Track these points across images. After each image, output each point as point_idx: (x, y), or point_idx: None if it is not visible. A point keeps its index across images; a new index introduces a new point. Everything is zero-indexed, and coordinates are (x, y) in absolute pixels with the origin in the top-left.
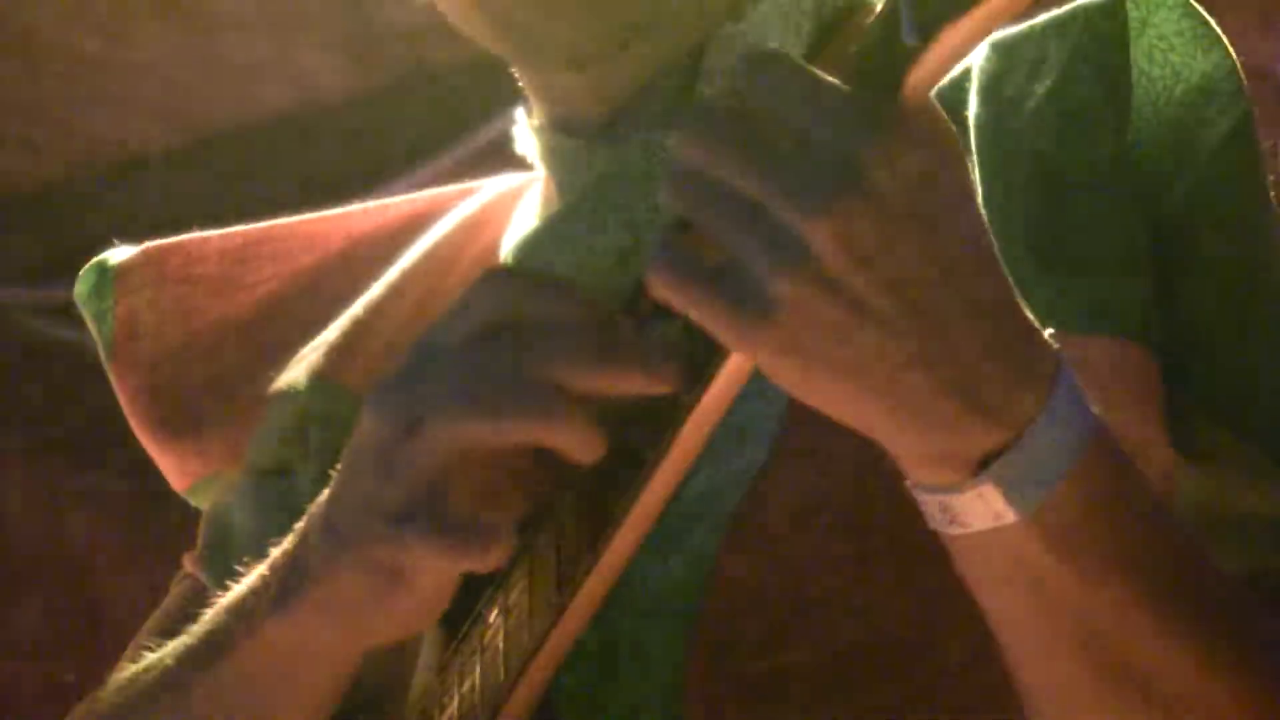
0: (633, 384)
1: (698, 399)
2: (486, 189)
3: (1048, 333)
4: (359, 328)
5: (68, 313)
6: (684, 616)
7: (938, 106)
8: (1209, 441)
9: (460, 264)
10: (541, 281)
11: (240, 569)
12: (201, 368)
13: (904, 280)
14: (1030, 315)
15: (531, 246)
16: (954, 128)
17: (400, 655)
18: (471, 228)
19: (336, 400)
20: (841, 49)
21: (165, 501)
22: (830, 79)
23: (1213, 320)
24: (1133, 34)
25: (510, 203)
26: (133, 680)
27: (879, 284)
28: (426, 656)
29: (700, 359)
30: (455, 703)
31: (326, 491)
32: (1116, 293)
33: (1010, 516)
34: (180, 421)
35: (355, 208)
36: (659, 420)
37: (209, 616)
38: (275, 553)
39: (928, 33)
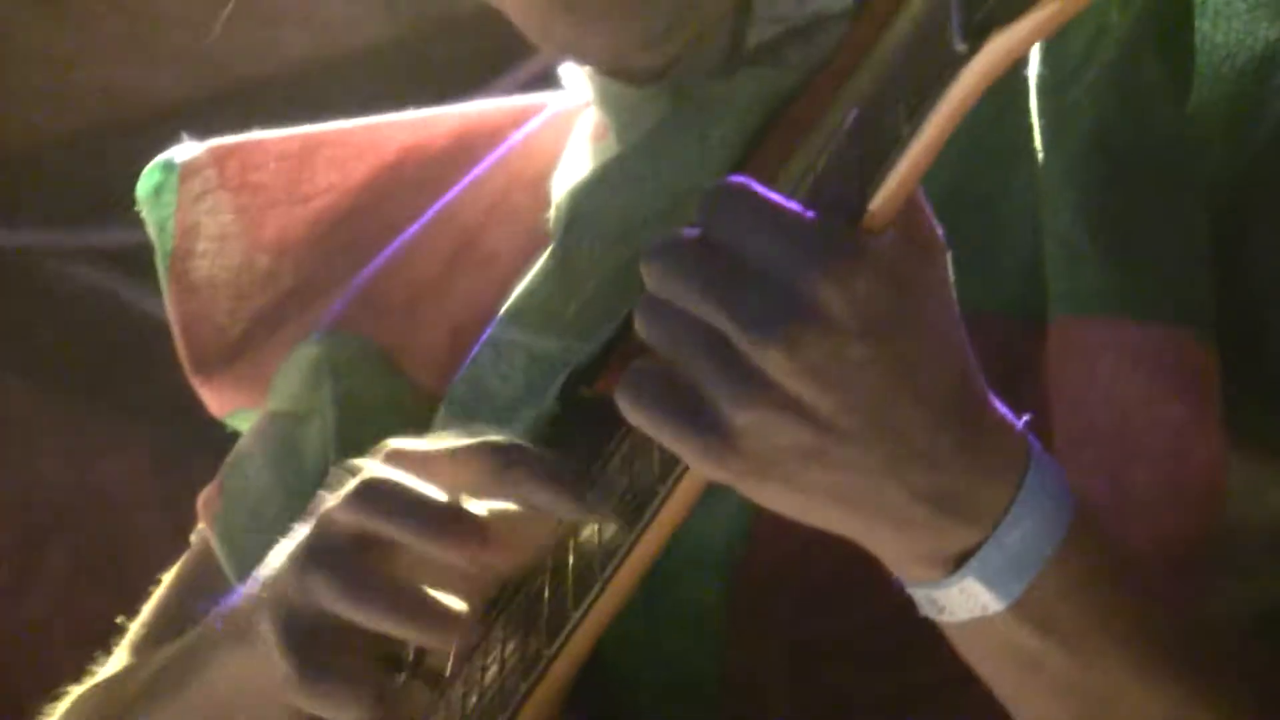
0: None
1: (665, 497)
2: (535, 117)
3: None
4: (386, 273)
5: (101, 259)
6: (729, 571)
7: (918, 209)
8: (1264, 429)
9: (504, 206)
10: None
11: (240, 527)
12: (257, 296)
13: (863, 399)
14: (998, 407)
15: (585, 193)
16: (935, 234)
17: None
18: (516, 167)
19: (353, 351)
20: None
21: (191, 445)
22: (791, 207)
23: (1272, 301)
24: (1197, 1)
25: (558, 134)
26: (118, 687)
27: (838, 404)
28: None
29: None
30: (497, 666)
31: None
32: (1173, 278)
33: (995, 606)
34: (226, 352)
35: (408, 115)
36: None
37: (191, 633)
38: (254, 578)
39: (974, 43)
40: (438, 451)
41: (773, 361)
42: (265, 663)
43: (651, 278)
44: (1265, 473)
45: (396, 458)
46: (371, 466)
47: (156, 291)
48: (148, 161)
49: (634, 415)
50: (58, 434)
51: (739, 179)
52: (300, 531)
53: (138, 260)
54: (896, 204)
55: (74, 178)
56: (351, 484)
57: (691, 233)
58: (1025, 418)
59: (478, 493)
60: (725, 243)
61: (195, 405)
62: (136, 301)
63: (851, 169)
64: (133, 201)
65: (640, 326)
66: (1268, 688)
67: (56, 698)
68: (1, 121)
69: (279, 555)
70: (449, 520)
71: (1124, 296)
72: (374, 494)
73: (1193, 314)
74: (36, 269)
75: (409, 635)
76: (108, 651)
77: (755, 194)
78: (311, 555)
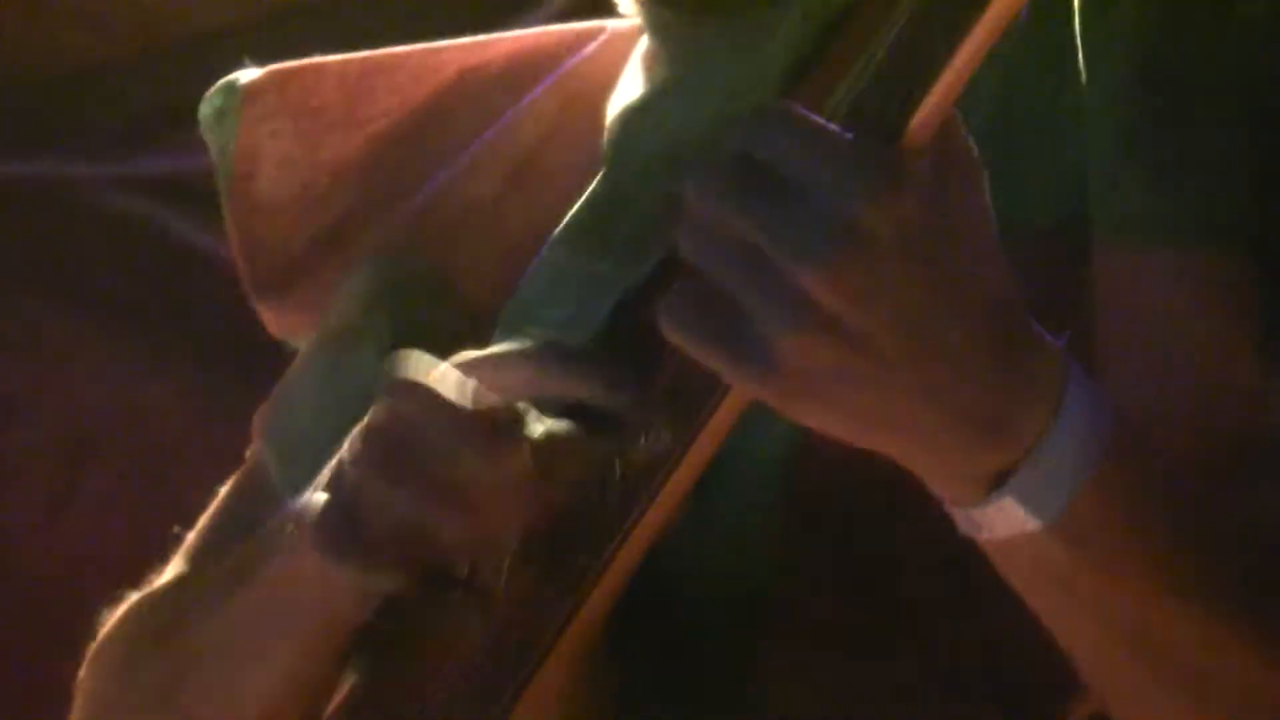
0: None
1: (710, 412)
2: (591, 41)
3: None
4: (442, 195)
5: (142, 187)
6: (780, 483)
7: (954, 131)
8: None
9: (560, 129)
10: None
11: (293, 445)
12: (317, 217)
13: (904, 319)
14: (1037, 328)
15: (636, 117)
16: (972, 155)
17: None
18: (572, 89)
19: (409, 271)
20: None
21: (235, 373)
22: (832, 129)
23: None
24: None
25: (615, 57)
26: (174, 594)
27: (879, 326)
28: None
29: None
30: (540, 583)
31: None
32: (1215, 201)
33: (1031, 525)
34: (286, 273)
35: (467, 41)
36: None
37: (248, 540)
38: (311, 485)
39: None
40: (491, 357)
41: (813, 282)
42: (317, 566)
43: (695, 198)
44: None
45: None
46: (426, 371)
47: (195, 220)
48: (186, 89)
49: (676, 335)
50: (98, 359)
51: (781, 101)
52: (353, 436)
53: (176, 189)
54: (934, 124)
55: (112, 106)
56: (404, 389)
57: (735, 154)
58: (1063, 339)
59: (534, 393)
60: (767, 164)
61: (233, 331)
62: (175, 230)
63: (890, 90)
64: (170, 130)
65: (684, 246)
66: None
67: (95, 618)
68: (39, 50)
69: (333, 462)
70: (502, 429)
71: (1165, 222)
72: (429, 401)
73: (1235, 236)
74: (75, 198)
75: (456, 534)
76: (147, 571)
77: (797, 115)
78: (360, 453)
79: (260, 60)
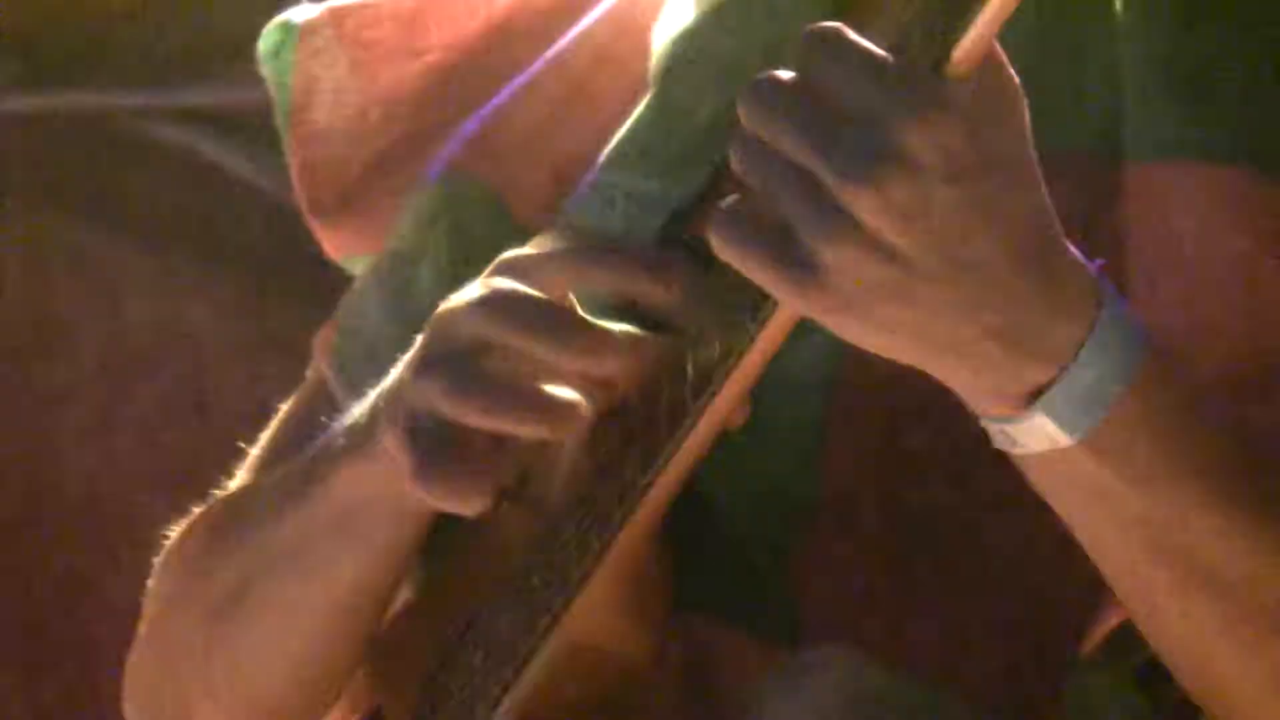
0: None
1: (759, 328)
2: None
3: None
4: (496, 119)
5: (187, 117)
6: (826, 390)
7: (996, 59)
8: None
9: (612, 55)
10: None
11: (357, 363)
12: (371, 143)
13: (944, 238)
14: (1071, 249)
15: (684, 40)
16: (1013, 83)
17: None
18: (624, 17)
19: (467, 191)
20: None
21: (276, 298)
22: (881, 54)
23: None
24: None
25: None
26: (241, 502)
27: (921, 244)
28: (574, 445)
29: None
30: (596, 494)
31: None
32: (1246, 121)
33: (1065, 440)
34: (343, 196)
35: None
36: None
37: (312, 446)
38: (373, 391)
39: None
40: (553, 255)
41: (860, 201)
42: (385, 470)
43: (747, 116)
44: None
45: (511, 267)
46: (489, 278)
47: (238, 150)
48: (229, 23)
49: (724, 250)
50: (143, 283)
51: (832, 25)
52: (416, 342)
53: (219, 120)
54: (978, 53)
55: (156, 40)
56: (470, 291)
57: (787, 74)
58: (1098, 262)
59: (585, 288)
60: (818, 85)
61: (274, 257)
62: (218, 159)
63: (935, 19)
64: (213, 62)
65: (735, 163)
66: None
67: (143, 535)
68: None
69: (396, 369)
70: (572, 326)
71: (1198, 141)
72: (495, 300)
73: (1263, 155)
74: (119, 128)
75: (527, 429)
76: (193, 489)
77: (847, 38)
78: (427, 358)
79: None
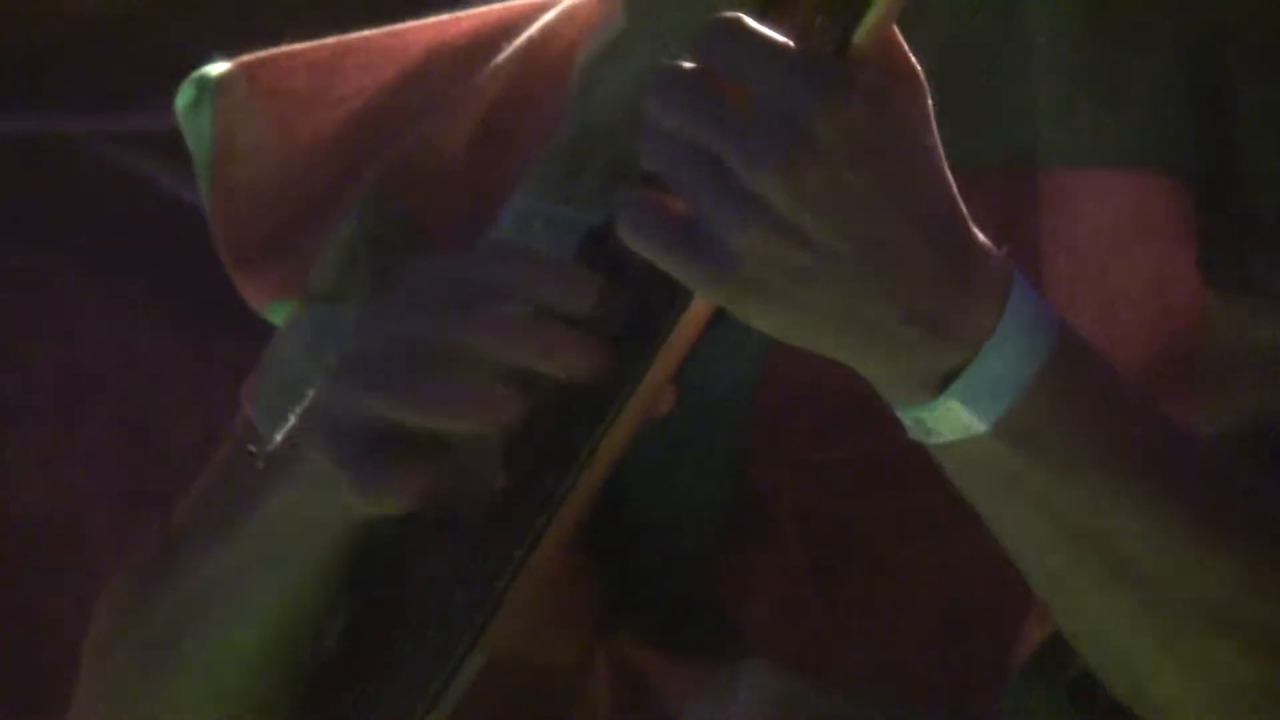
0: (551, 368)
1: (671, 325)
2: (554, 8)
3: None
4: (415, 150)
5: (139, 142)
6: (742, 406)
7: (896, 45)
8: (1242, 270)
9: (524, 87)
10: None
11: (281, 407)
12: (294, 191)
13: (852, 220)
14: (979, 235)
15: (598, 65)
16: (914, 66)
17: (465, 458)
18: (536, 51)
19: (389, 224)
20: None
21: (225, 320)
22: (781, 40)
23: (1251, 144)
24: None
25: (578, 22)
26: (173, 544)
27: (829, 226)
28: (492, 457)
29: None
30: (510, 499)
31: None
32: (1154, 126)
33: (978, 427)
34: (265, 244)
35: (430, 20)
36: (645, 337)
37: (237, 483)
38: (290, 420)
39: None
40: (470, 257)
41: (768, 186)
42: (314, 490)
43: (653, 107)
44: (1239, 307)
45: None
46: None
47: (191, 175)
48: (183, 46)
49: (634, 238)
50: (95, 307)
51: (732, 14)
52: (331, 352)
53: (171, 145)
54: (879, 36)
55: (108, 64)
56: (387, 295)
57: (690, 64)
58: (1005, 248)
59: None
60: (720, 73)
61: (225, 282)
62: (169, 184)
63: (835, 7)
64: (164, 87)
65: (644, 154)
66: (1252, 504)
67: (90, 557)
68: (38, 7)
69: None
70: (500, 314)
71: (1109, 146)
72: (423, 294)
73: (1172, 159)
74: (72, 153)
75: (459, 422)
76: (141, 512)
77: (747, 25)
78: (349, 362)
79: (256, 17)
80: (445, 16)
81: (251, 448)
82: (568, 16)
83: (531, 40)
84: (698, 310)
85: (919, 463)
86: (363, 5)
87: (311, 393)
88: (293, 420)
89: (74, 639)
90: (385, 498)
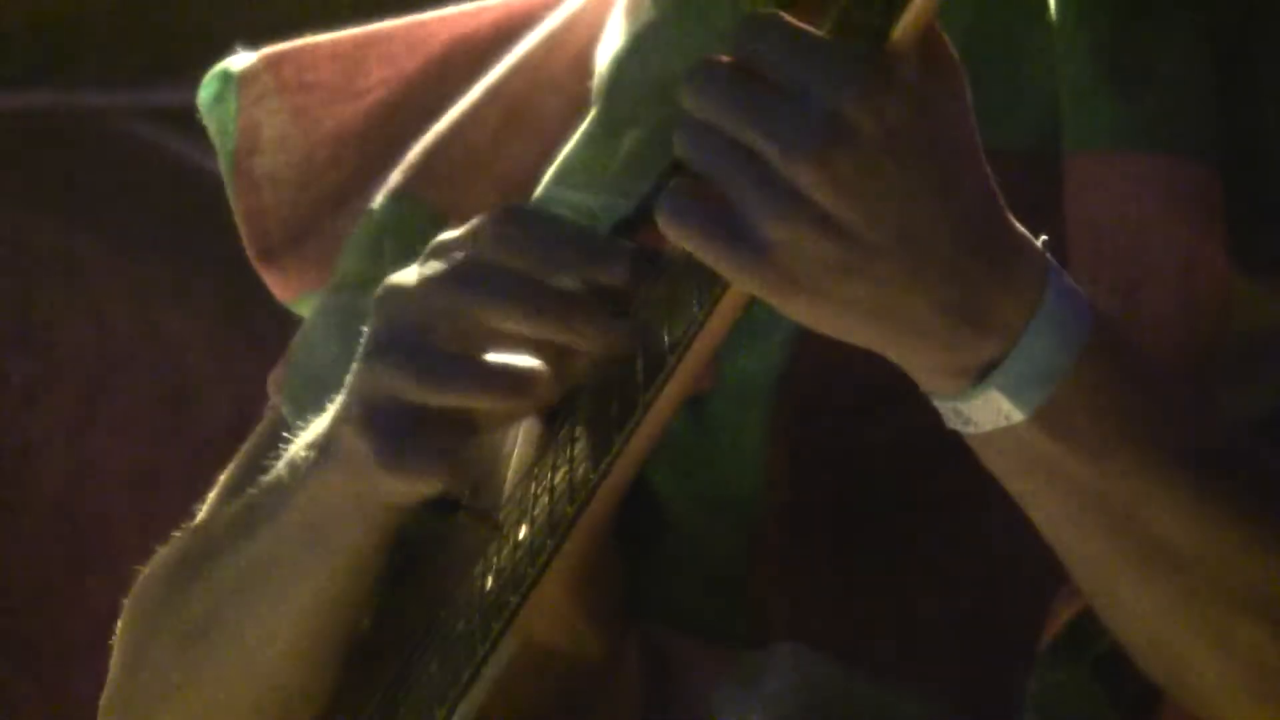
0: (581, 343)
1: (706, 315)
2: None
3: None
4: (440, 143)
5: (167, 118)
6: (771, 397)
7: (936, 38)
8: (1271, 255)
9: (548, 77)
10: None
11: (309, 396)
12: (318, 183)
13: (891, 212)
14: (1017, 225)
15: (625, 57)
16: (953, 59)
17: (495, 452)
18: (559, 40)
19: (414, 215)
20: None
21: (254, 300)
22: (818, 34)
23: (1274, 128)
24: None
25: (600, 11)
26: (207, 532)
27: (867, 219)
28: (524, 448)
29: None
30: (548, 494)
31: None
32: (1179, 110)
33: (1017, 416)
34: (290, 238)
35: (452, 10)
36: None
37: (272, 470)
38: (332, 407)
39: None
40: (490, 231)
41: (805, 177)
42: (348, 476)
43: (690, 100)
44: (1268, 291)
45: (448, 245)
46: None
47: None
48: (211, 21)
49: (672, 228)
50: (123, 284)
51: (770, 10)
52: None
53: (200, 120)
54: (917, 31)
55: (132, 38)
56: (415, 270)
57: (728, 59)
58: (1043, 238)
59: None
60: (759, 67)
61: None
62: (199, 160)
63: (874, 1)
64: (193, 62)
65: (679, 146)
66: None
67: (116, 536)
68: None
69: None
70: (535, 288)
71: (1134, 130)
72: (457, 270)
73: (1197, 142)
74: (100, 128)
75: (492, 401)
76: (170, 491)
77: (784, 19)
78: (378, 343)
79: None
80: (468, 7)
81: (282, 448)
82: (590, 4)
83: (554, 30)
84: (732, 300)
85: (948, 446)
86: None
87: (347, 379)
88: (328, 407)
89: (102, 618)
90: (416, 480)
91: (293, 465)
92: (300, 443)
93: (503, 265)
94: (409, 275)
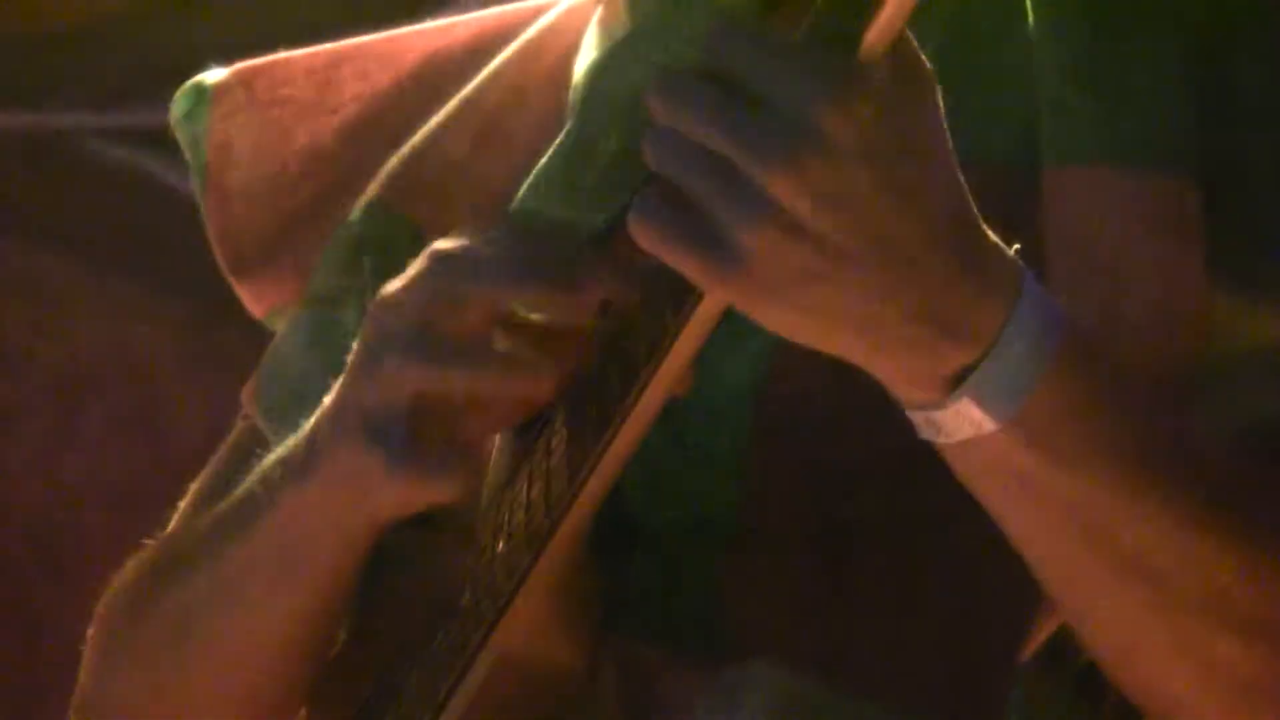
0: (560, 312)
1: (681, 325)
2: (549, 11)
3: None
4: (417, 155)
5: (137, 138)
6: (749, 406)
7: (908, 45)
8: (1247, 267)
9: (524, 90)
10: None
11: (284, 408)
12: (292, 197)
13: (864, 219)
14: (990, 233)
15: (599, 70)
16: (924, 67)
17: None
18: (535, 53)
19: (391, 228)
20: None
21: (225, 316)
22: (790, 41)
23: (1253, 143)
24: None
25: (575, 25)
26: (178, 543)
27: (842, 226)
28: (498, 462)
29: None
30: (524, 508)
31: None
32: (1157, 124)
33: (990, 425)
34: (266, 254)
35: (427, 25)
36: (652, 331)
37: (245, 483)
38: (306, 424)
39: None
40: (484, 241)
41: (777, 184)
42: (331, 494)
43: (659, 109)
44: (1247, 306)
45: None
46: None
47: (185, 170)
48: (181, 41)
49: (645, 238)
50: (94, 304)
51: (740, 16)
52: (352, 346)
53: (168, 140)
54: (889, 37)
55: (105, 61)
56: (407, 276)
57: (698, 67)
58: (1017, 246)
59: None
60: (729, 73)
61: (222, 277)
62: (169, 179)
63: (845, 8)
64: (160, 83)
65: (648, 155)
66: (1258, 500)
67: (91, 554)
68: (35, 5)
69: (333, 392)
70: (545, 274)
71: (1111, 145)
72: (456, 262)
73: (1176, 158)
74: (69, 148)
75: (508, 383)
76: (143, 509)
77: (755, 28)
78: (371, 351)
79: (256, 16)
80: (441, 22)
81: (256, 460)
82: (565, 19)
83: (529, 43)
84: (707, 309)
85: (924, 462)
86: (360, 8)
87: (329, 392)
88: (304, 423)
89: (74, 638)
90: (431, 484)
91: (266, 482)
92: (272, 459)
93: (492, 258)
94: (398, 284)
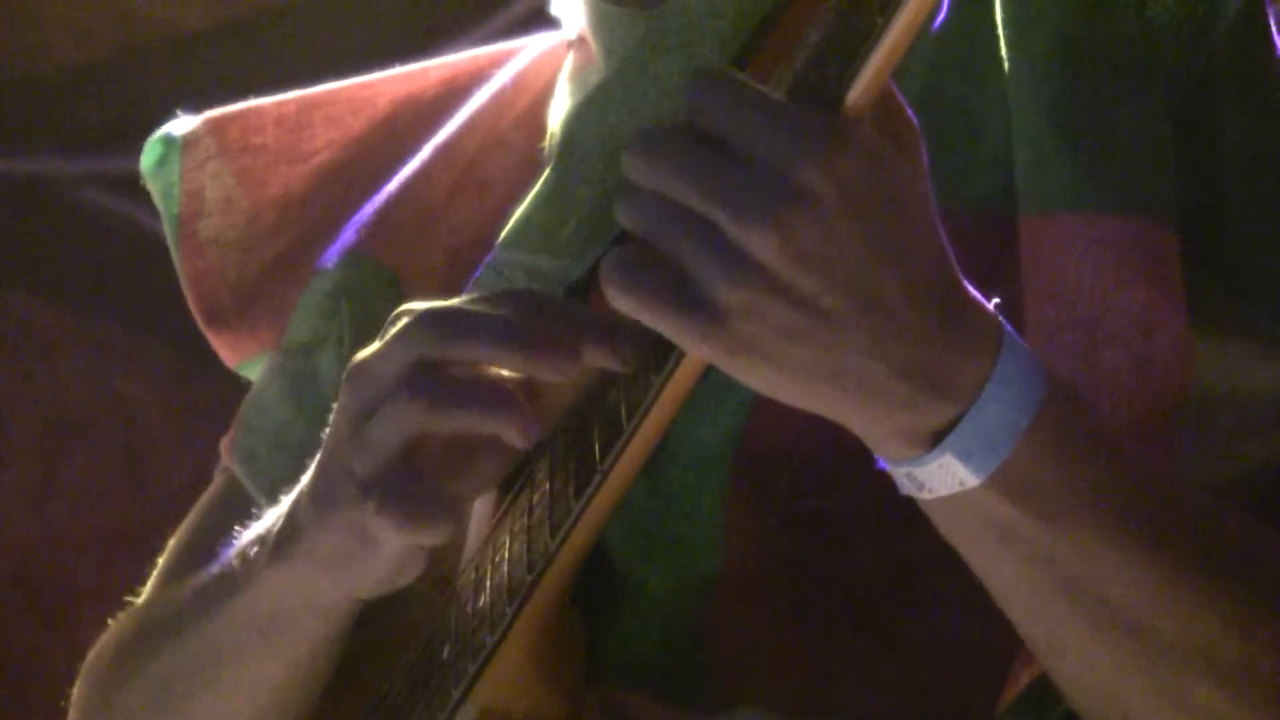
0: (540, 374)
1: (667, 378)
2: (522, 55)
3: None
4: (393, 202)
5: (121, 184)
6: (727, 461)
7: (893, 100)
8: (1226, 313)
9: (498, 135)
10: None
11: (263, 457)
12: (266, 246)
13: (848, 278)
14: (971, 289)
15: (576, 118)
16: (911, 122)
17: None
18: (509, 98)
19: (368, 275)
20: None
21: (209, 364)
22: (773, 94)
23: (1230, 191)
24: None
25: (546, 70)
26: (160, 610)
27: (824, 285)
28: (480, 519)
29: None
30: (506, 562)
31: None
32: (1136, 171)
33: (972, 481)
34: (237, 303)
35: (398, 71)
36: (636, 387)
37: (225, 558)
38: (285, 500)
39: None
40: (465, 302)
41: (760, 243)
42: (314, 571)
43: (636, 168)
44: (1228, 352)
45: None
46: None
47: None
48: (163, 88)
49: (620, 299)
50: (78, 349)
51: (720, 66)
52: (330, 426)
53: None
54: (873, 94)
55: (92, 107)
56: (379, 343)
57: (675, 122)
58: (995, 300)
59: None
60: (709, 130)
61: None
62: (154, 225)
63: (829, 62)
64: (147, 130)
65: (622, 215)
66: (1241, 549)
67: (77, 599)
68: (20, 49)
69: (315, 461)
70: (516, 327)
71: (1090, 191)
72: (427, 321)
73: (1155, 204)
74: (55, 195)
75: (494, 419)
76: (128, 555)
77: (736, 78)
78: (350, 416)
79: (235, 61)
80: (413, 67)
81: (237, 525)
82: (537, 64)
83: (503, 88)
84: (688, 366)
85: (904, 512)
86: (336, 52)
87: (308, 453)
88: (285, 504)
89: (61, 680)
90: (437, 523)
91: (248, 557)
92: (251, 536)
93: (471, 322)
94: (376, 348)
